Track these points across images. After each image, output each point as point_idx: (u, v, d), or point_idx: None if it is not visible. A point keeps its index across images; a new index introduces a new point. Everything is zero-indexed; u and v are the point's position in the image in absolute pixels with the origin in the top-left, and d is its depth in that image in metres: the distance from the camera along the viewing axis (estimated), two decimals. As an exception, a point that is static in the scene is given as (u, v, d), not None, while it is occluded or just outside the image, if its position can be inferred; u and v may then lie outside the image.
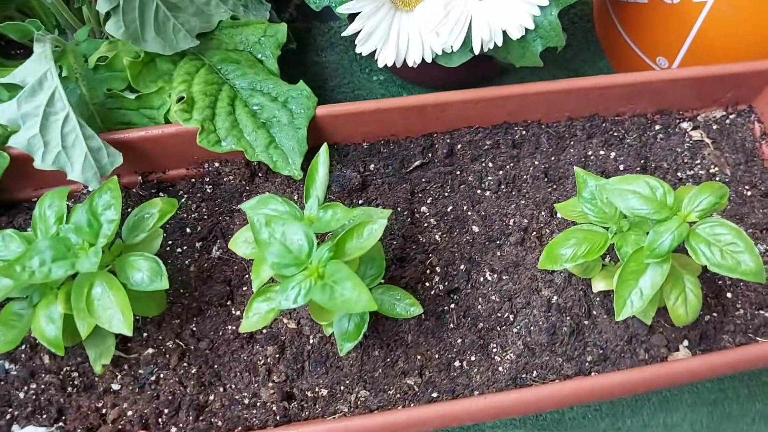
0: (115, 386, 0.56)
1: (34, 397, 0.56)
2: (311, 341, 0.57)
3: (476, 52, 0.57)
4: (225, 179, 0.64)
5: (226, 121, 0.59)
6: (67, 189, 0.52)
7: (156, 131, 0.60)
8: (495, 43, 0.57)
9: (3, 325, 0.52)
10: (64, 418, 0.55)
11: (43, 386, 0.56)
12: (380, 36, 0.59)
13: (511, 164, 0.64)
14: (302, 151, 0.60)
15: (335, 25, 0.90)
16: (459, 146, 0.65)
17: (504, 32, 0.57)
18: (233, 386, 0.56)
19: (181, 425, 0.54)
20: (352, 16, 0.59)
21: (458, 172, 0.64)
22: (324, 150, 0.51)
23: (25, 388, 0.56)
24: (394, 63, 0.83)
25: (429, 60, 0.61)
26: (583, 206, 0.50)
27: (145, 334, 0.57)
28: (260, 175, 0.64)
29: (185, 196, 0.64)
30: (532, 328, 0.56)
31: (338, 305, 0.44)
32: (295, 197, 0.63)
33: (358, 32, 0.59)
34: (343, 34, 0.59)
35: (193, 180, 0.65)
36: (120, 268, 0.49)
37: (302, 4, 0.86)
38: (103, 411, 0.56)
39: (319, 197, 0.50)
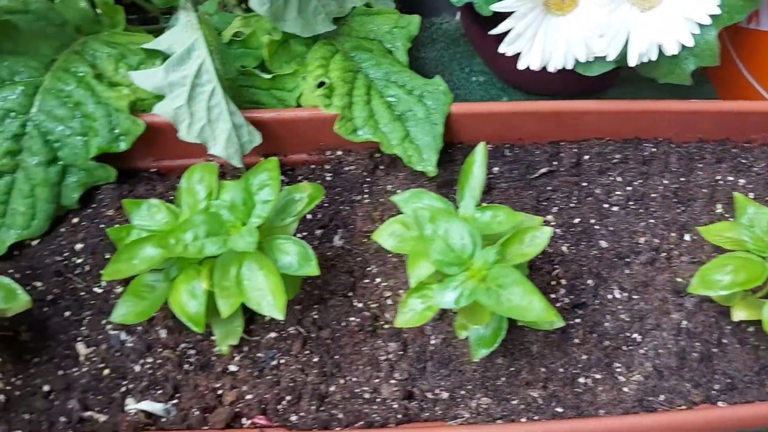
0: (233, 367, 0.55)
1: (150, 371, 0.55)
2: (432, 341, 0.56)
3: (632, 64, 0.56)
4: (346, 168, 0.63)
5: (363, 110, 0.58)
6: (216, 165, 0.51)
7: (290, 114, 0.59)
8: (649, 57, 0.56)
9: (134, 296, 0.51)
10: (179, 395, 0.54)
11: (159, 361, 0.55)
12: (528, 38, 0.58)
13: (640, 181, 0.63)
14: (438, 147, 0.58)
15: (438, 21, 0.89)
16: (587, 157, 0.64)
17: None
18: (354, 379, 0.55)
19: (302, 414, 0.53)
20: (483, 19, 0.58)
21: (585, 184, 0.63)
22: (481, 149, 0.50)
23: (141, 361, 0.55)
24: (497, 64, 0.81)
25: (570, 67, 0.60)
26: (741, 233, 0.49)
27: (268, 317, 0.56)
28: (382, 167, 0.63)
29: (304, 181, 0.63)
30: (660, 350, 0.55)
31: (505, 311, 0.43)
32: (419, 193, 0.61)
33: (507, 32, 0.58)
34: (492, 32, 0.57)
35: (313, 166, 0.64)
36: (268, 250, 0.48)
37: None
38: (220, 392, 0.55)
39: (475, 197, 0.49)
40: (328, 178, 0.63)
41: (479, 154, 0.50)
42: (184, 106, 0.52)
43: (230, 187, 0.49)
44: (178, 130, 0.53)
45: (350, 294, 0.58)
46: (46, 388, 0.54)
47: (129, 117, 0.56)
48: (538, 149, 0.65)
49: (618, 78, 0.76)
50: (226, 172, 0.61)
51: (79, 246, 0.59)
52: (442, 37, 0.88)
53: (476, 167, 0.49)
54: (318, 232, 0.61)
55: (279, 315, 0.46)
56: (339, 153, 0.63)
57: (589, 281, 0.58)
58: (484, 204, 0.61)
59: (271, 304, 0.46)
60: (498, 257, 0.44)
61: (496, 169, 0.64)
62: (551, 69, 0.60)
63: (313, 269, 0.48)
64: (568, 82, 0.68)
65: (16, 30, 0.57)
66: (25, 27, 0.58)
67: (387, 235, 0.50)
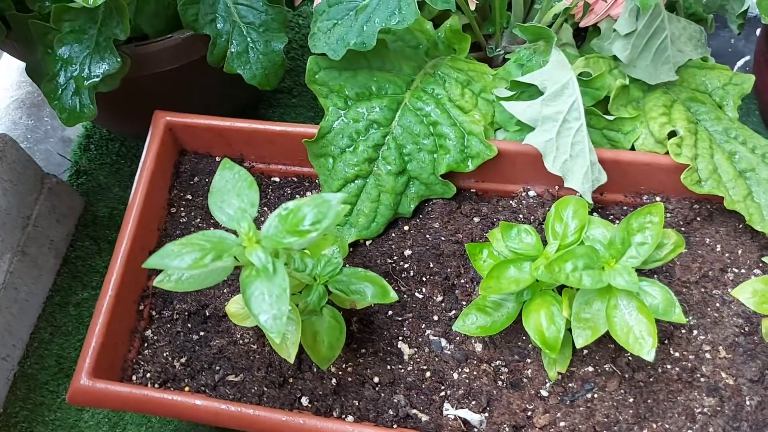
0: (544, 392, 0.57)
1: (467, 381, 0.58)
2: (748, 402, 0.56)
3: None
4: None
5: (708, 163, 0.59)
6: (586, 202, 0.53)
7: (628, 156, 0.61)
8: None
9: (479, 311, 0.55)
10: (491, 409, 0.57)
11: (475, 372, 0.58)
12: None
13: None
14: (780, 210, 0.58)
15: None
16: None
17: None
18: (667, 426, 0.55)
19: (622, 452, 0.54)
20: None
21: None
22: None
23: (459, 369, 0.58)
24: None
25: None
26: None
27: (585, 351, 0.58)
28: (698, 220, 0.63)
29: (616, 222, 0.64)
30: None
31: None
32: (739, 252, 0.61)
33: None
34: None
35: (625, 208, 0.65)
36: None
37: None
38: (530, 413, 0.57)
39: None
40: (639, 222, 0.64)
41: None
42: (553, 140, 0.55)
43: (599, 224, 0.51)
44: (545, 161, 0.56)
45: (666, 342, 0.59)
46: (375, 379, 0.58)
47: (483, 141, 0.60)
48: None
49: None
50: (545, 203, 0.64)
51: (407, 252, 0.63)
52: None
53: None
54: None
55: (648, 356, 0.47)
56: (657, 199, 0.64)
57: None
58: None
59: (641, 342, 0.47)
60: None
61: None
62: None
63: (678, 317, 0.49)
64: None
65: (385, 48, 0.62)
66: (391, 46, 0.63)
67: (749, 294, 0.50)
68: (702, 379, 0.57)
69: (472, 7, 0.64)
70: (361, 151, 0.61)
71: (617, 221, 0.64)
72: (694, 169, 0.58)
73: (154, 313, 0.62)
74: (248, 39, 0.62)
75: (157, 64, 0.64)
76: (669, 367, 0.57)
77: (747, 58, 0.90)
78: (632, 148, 0.63)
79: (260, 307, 0.39)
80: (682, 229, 0.63)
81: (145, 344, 0.61)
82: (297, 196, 0.67)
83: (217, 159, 0.67)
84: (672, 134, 0.59)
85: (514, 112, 0.57)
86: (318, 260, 0.53)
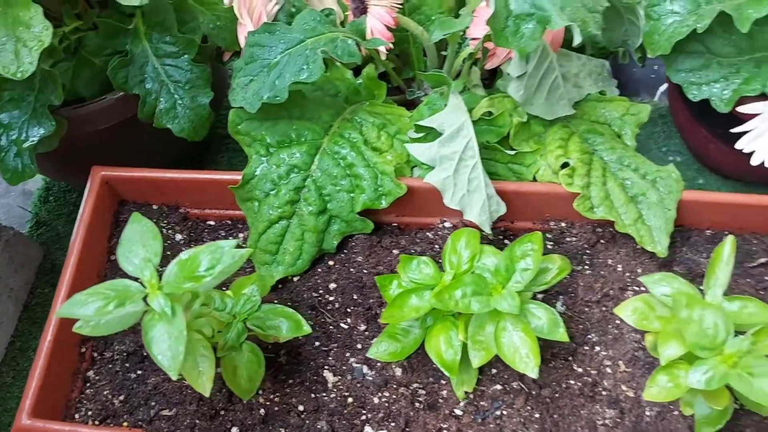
0: (458, 411, 0.61)
1: (386, 404, 0.62)
2: (648, 413, 0.60)
3: None
4: (567, 239, 0.68)
5: (600, 191, 0.64)
6: (478, 232, 0.58)
7: (528, 188, 0.66)
8: None
9: (390, 337, 0.59)
10: (408, 430, 0.61)
11: (394, 396, 0.62)
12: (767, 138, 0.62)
13: None
14: (669, 231, 0.63)
15: (636, 101, 0.93)
16: (807, 252, 0.66)
17: None
18: (572, 439, 0.59)
19: (524, 464, 0.58)
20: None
21: (806, 280, 0.65)
22: (731, 242, 0.54)
23: (379, 394, 0.62)
24: (702, 148, 0.84)
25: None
26: None
27: (494, 371, 0.62)
28: (602, 242, 0.68)
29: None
30: None
31: (758, 397, 0.46)
32: (639, 270, 0.66)
33: (745, 132, 0.62)
34: (734, 130, 0.62)
35: (536, 234, 0.70)
36: (521, 313, 0.54)
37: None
38: (446, 432, 0.61)
39: (723, 286, 0.53)
40: (549, 247, 0.69)
41: (728, 247, 0.54)
42: (451, 177, 0.60)
43: (490, 253, 0.56)
44: (444, 197, 0.61)
45: (570, 358, 0.63)
46: (300, 408, 0.62)
47: (394, 180, 0.64)
48: (756, 239, 0.67)
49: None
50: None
51: (332, 285, 0.67)
52: (640, 117, 0.92)
53: (723, 259, 0.53)
54: (540, 296, 0.66)
55: (533, 373, 0.51)
56: (562, 225, 0.68)
57: (811, 376, 0.60)
58: (735, 296, 0.65)
59: (525, 361, 0.52)
60: (751, 347, 0.48)
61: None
62: (784, 166, 0.63)
63: (561, 335, 0.53)
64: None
65: (304, 98, 0.67)
66: (310, 96, 0.68)
67: (630, 311, 0.55)
68: (604, 393, 0.61)
69: (383, 57, 0.69)
70: (283, 194, 0.65)
71: (529, 247, 0.69)
72: (587, 197, 0.63)
73: (95, 354, 0.66)
74: (175, 96, 0.68)
75: (95, 123, 0.70)
76: (572, 382, 0.62)
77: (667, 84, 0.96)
78: (534, 179, 0.68)
79: (159, 348, 0.43)
80: (588, 251, 0.68)
81: (88, 384, 0.65)
82: (230, 238, 0.72)
83: (155, 207, 0.72)
84: (565, 165, 0.64)
85: (414, 154, 0.62)
86: (238, 299, 0.58)
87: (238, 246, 0.48)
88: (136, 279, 0.48)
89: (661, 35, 0.64)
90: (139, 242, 0.47)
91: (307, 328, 0.57)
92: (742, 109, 0.60)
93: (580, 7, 0.56)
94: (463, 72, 0.74)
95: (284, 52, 0.63)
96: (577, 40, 0.56)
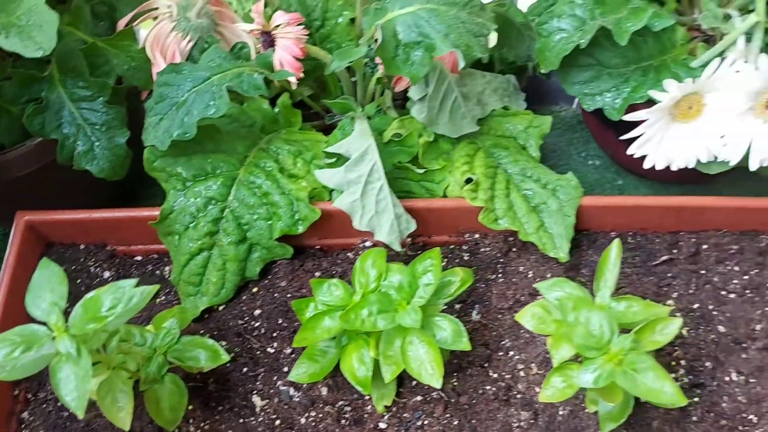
0: (382, 425, 0.64)
1: (313, 423, 0.64)
2: (561, 412, 0.62)
3: (753, 168, 0.62)
4: (482, 250, 0.72)
5: (503, 203, 0.67)
6: (385, 251, 0.60)
7: (438, 204, 0.69)
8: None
9: (309, 359, 0.61)
10: (336, 447, 0.63)
11: (321, 415, 0.64)
12: (655, 142, 0.65)
13: (757, 270, 0.68)
14: (569, 236, 0.66)
15: (556, 109, 0.97)
16: (705, 247, 0.70)
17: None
18: (490, 442, 0.62)
19: (445, 470, 0.61)
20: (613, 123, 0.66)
21: (703, 272, 0.69)
22: (617, 245, 0.57)
23: (306, 414, 0.65)
24: (615, 152, 0.88)
25: (692, 166, 0.66)
26: None
27: (414, 382, 0.65)
28: (515, 250, 0.71)
29: (445, 260, 0.72)
30: (778, 433, 0.59)
31: (640, 393, 0.49)
32: (548, 275, 0.69)
33: (636, 137, 0.65)
34: (623, 137, 0.65)
35: (452, 246, 0.73)
36: (426, 326, 0.57)
37: (527, 88, 0.93)
38: (372, 446, 0.63)
39: (610, 288, 0.56)
40: (466, 258, 0.72)
41: (615, 249, 0.57)
42: (358, 200, 0.62)
43: (396, 271, 0.58)
44: (353, 220, 0.63)
45: (486, 365, 0.66)
46: (229, 433, 0.64)
47: (308, 206, 0.67)
48: (658, 238, 0.71)
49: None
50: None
51: (257, 312, 0.70)
52: (560, 123, 0.96)
53: (611, 262, 0.57)
54: (457, 306, 0.69)
55: (436, 383, 0.54)
56: (476, 236, 0.72)
57: (708, 363, 0.64)
58: (621, 296, 0.68)
59: (430, 373, 0.54)
60: (633, 344, 0.51)
61: (619, 256, 0.70)
62: (674, 168, 0.67)
63: (464, 345, 0.56)
64: (684, 174, 0.74)
65: (218, 131, 0.70)
66: (224, 129, 0.70)
67: (529, 317, 0.58)
68: (518, 396, 0.64)
69: (294, 87, 0.72)
70: (202, 226, 0.68)
71: (446, 259, 0.72)
72: (491, 209, 0.66)
73: (29, 395, 0.67)
74: (92, 138, 0.69)
75: (17, 168, 0.71)
76: (488, 387, 0.64)
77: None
78: (445, 195, 0.71)
79: (66, 389, 0.45)
80: (501, 260, 0.71)
81: (23, 425, 0.66)
82: (158, 272, 0.73)
83: (82, 247, 0.73)
84: (470, 180, 0.67)
85: (323, 181, 0.65)
86: (159, 333, 0.60)
87: (163, 279, 0.50)
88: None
89: (550, 51, 0.68)
90: (46, 287, 0.49)
91: (225, 357, 0.60)
92: (629, 117, 0.64)
93: (465, 32, 0.59)
94: (377, 95, 0.77)
95: (191, 90, 0.65)
96: (461, 64, 0.60)
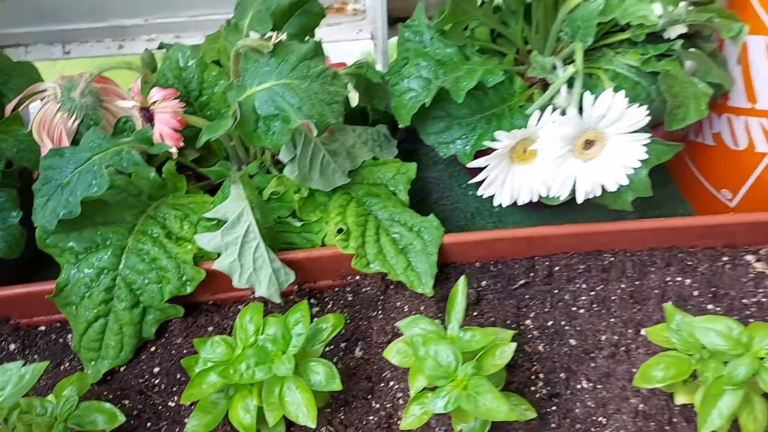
0: (280, 462, 0.70)
1: (215, 467, 0.70)
2: (437, 432, 0.70)
3: (579, 201, 0.71)
4: (363, 290, 0.79)
5: (374, 247, 0.74)
6: (262, 305, 0.67)
7: (318, 253, 0.75)
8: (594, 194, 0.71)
9: (202, 411, 0.67)
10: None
11: (222, 459, 0.70)
12: (499, 183, 0.74)
13: (602, 286, 0.77)
14: (433, 272, 0.74)
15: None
16: (557, 269, 0.79)
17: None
18: (375, 467, 0.69)
19: (336, 498, 0.67)
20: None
21: (556, 291, 0.77)
22: (462, 281, 0.65)
23: (208, 459, 0.70)
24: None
25: (536, 200, 0.75)
26: (671, 336, 0.63)
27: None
28: (392, 287, 0.78)
29: (330, 302, 0.79)
30: (621, 431, 0.68)
31: (481, 413, 0.57)
32: (422, 308, 0.76)
33: (483, 180, 0.74)
34: (470, 182, 0.73)
35: (337, 289, 0.79)
36: (302, 371, 0.63)
37: (411, 129, 1.01)
38: (270, 482, 0.69)
39: (459, 320, 0.63)
40: (350, 298, 0.79)
41: (461, 285, 0.65)
42: (236, 260, 0.69)
43: (272, 323, 0.65)
44: (232, 280, 0.69)
45: (369, 397, 0.72)
46: (136, 486, 0.69)
47: (193, 267, 0.73)
48: (516, 264, 0.79)
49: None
50: (268, 302, 0.77)
51: (156, 369, 0.75)
52: (442, 160, 1.04)
53: (459, 297, 0.64)
54: (342, 344, 0.76)
55: (311, 424, 0.60)
56: (357, 278, 0.79)
57: (562, 374, 0.72)
58: (474, 313, 0.77)
59: (305, 415, 0.61)
60: (475, 370, 0.58)
61: (484, 283, 0.78)
62: (520, 203, 0.75)
63: (336, 385, 0.62)
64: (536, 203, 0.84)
65: (106, 204, 0.75)
66: (112, 200, 0.75)
67: (394, 353, 0.65)
68: (398, 422, 0.71)
69: (175, 156, 0.77)
70: (96, 295, 0.72)
71: (332, 302, 0.79)
72: (362, 255, 0.74)
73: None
74: (-15, 220, 0.74)
75: None
76: (371, 417, 0.71)
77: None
78: (324, 244, 0.77)
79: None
80: (381, 297, 0.78)
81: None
82: (61, 339, 0.78)
83: (-15, 322, 0.77)
84: (341, 230, 0.74)
85: (202, 245, 0.71)
86: (59, 401, 0.65)
87: (66, 346, 0.54)
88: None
89: (403, 109, 0.75)
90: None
91: (121, 418, 0.65)
92: (471, 164, 0.72)
93: (318, 102, 0.66)
94: (258, 156, 0.83)
95: (74, 171, 0.70)
96: (315, 132, 0.67)
